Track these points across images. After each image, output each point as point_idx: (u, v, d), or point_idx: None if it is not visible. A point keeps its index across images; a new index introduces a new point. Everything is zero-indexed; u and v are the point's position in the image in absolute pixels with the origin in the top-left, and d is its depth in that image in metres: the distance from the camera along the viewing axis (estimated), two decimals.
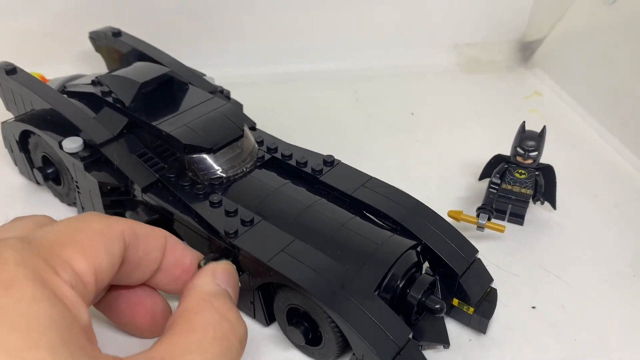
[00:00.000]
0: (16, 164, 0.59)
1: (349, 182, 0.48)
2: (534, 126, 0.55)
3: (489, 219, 0.52)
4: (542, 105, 0.79)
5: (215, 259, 0.42)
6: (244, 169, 0.49)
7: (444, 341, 0.43)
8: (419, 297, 0.41)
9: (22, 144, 0.55)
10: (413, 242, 0.44)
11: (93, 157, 0.49)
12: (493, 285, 0.46)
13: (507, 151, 0.57)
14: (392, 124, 0.74)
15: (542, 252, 0.53)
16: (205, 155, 0.48)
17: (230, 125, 0.50)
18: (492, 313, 0.45)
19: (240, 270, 0.43)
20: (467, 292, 0.44)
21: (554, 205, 0.57)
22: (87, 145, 0.50)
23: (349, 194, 0.47)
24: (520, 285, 0.50)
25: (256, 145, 0.52)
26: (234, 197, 0.47)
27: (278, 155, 0.51)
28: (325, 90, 0.80)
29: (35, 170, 0.54)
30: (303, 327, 0.41)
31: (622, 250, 0.54)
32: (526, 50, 0.91)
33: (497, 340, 0.45)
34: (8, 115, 0.58)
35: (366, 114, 0.76)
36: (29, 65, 0.59)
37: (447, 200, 0.60)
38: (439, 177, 0.63)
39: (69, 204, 0.56)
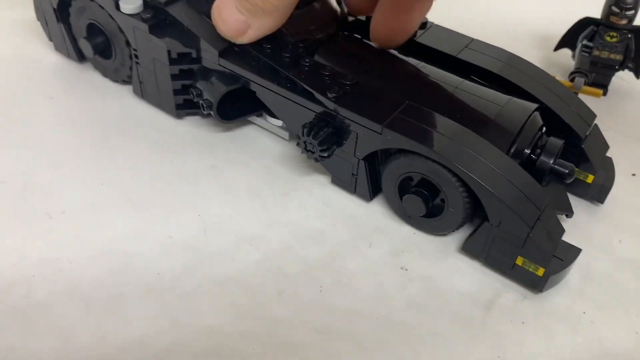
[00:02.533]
0: (51, 39, 0.52)
1: (450, 44, 0.43)
2: None
3: (585, 84, 0.49)
4: None
5: (314, 126, 0.38)
6: (330, 32, 0.43)
7: (568, 209, 0.40)
8: (551, 162, 0.37)
9: (61, 13, 0.48)
10: (536, 105, 0.39)
11: (157, 19, 0.42)
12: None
13: (572, 22, 0.52)
14: None
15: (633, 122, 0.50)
16: (294, 12, 0.41)
17: None
18: (612, 182, 0.41)
19: (341, 139, 0.39)
20: (590, 158, 0.40)
21: (637, 75, 0.53)
22: (147, 5, 0.43)
23: (453, 56, 0.42)
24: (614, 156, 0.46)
25: (338, 6, 0.46)
26: (325, 60, 0.41)
27: (363, 18, 0.46)
28: None
29: (81, 41, 0.47)
30: (424, 196, 0.37)
31: None
32: None
33: (609, 211, 0.42)
34: None
35: None
36: None
37: None
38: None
39: (119, 81, 0.49)
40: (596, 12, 0.52)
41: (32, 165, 0.43)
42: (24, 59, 0.52)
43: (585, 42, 0.52)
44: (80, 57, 0.51)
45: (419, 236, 0.40)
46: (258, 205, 0.41)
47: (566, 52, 0.56)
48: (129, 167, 0.43)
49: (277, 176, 0.43)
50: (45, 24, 0.50)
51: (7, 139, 0.45)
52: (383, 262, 0.38)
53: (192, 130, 0.46)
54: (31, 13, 0.51)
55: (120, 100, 0.48)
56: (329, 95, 0.38)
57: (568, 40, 0.55)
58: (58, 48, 0.52)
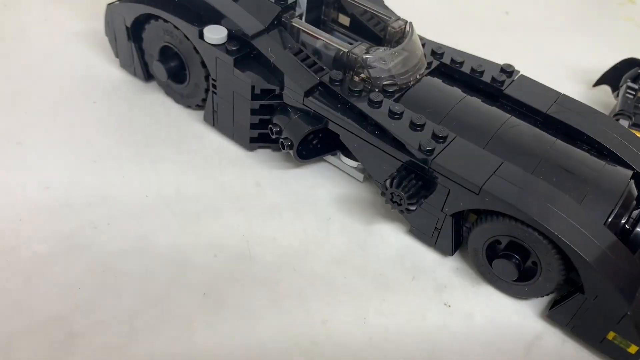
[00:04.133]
0: (117, 55, 0.50)
1: (539, 98, 0.42)
2: (629, 35, 0.49)
3: (629, 126, 0.48)
4: (637, 14, 0.73)
5: (403, 178, 0.37)
6: (417, 76, 0.42)
7: None
8: None
9: (133, 32, 0.47)
10: (632, 172, 0.38)
11: (242, 52, 0.41)
12: None
13: (611, 58, 0.51)
14: (484, 21, 0.66)
15: None
16: (382, 55, 0.40)
17: None
18: None
19: (429, 192, 0.38)
20: None
21: None
22: (232, 36, 0.42)
23: (544, 112, 0.41)
24: None
25: (422, 48, 0.45)
26: (412, 108, 0.40)
27: (446, 61, 0.45)
28: None
29: (155, 64, 0.46)
30: (516, 261, 0.36)
31: None
32: None
33: None
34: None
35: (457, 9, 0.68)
36: None
37: None
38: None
39: (189, 107, 0.48)
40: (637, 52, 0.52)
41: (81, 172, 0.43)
42: (89, 73, 0.51)
43: (629, 83, 0.52)
44: (147, 77, 0.49)
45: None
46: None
47: (605, 88, 0.55)
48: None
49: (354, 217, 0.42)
50: (114, 39, 0.49)
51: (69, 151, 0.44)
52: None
53: (266, 165, 0.45)
54: (99, 26, 0.50)
55: (189, 126, 0.47)
56: (424, 148, 0.37)
57: (609, 77, 0.55)
58: (124, 65, 0.50)
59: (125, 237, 0.39)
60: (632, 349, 0.34)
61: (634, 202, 0.38)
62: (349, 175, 0.45)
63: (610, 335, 0.35)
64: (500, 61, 0.45)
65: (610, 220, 0.36)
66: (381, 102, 0.40)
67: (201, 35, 0.41)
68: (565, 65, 0.61)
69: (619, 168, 0.38)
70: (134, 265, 0.37)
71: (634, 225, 0.37)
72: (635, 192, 0.38)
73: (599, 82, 0.55)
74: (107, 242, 0.38)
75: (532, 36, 0.65)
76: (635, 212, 0.38)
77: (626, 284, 0.33)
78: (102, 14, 0.48)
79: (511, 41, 0.63)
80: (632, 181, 0.38)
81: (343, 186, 0.45)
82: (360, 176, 0.45)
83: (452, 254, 0.40)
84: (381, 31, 0.46)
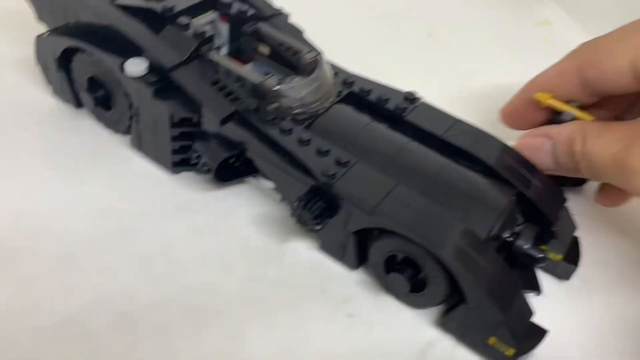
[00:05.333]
0: (49, 83, 0.53)
1: (437, 123, 0.46)
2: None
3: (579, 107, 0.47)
4: (552, 34, 0.77)
5: (309, 200, 0.40)
6: (326, 104, 0.46)
7: (536, 288, 0.43)
8: (526, 247, 0.41)
9: (63, 62, 0.49)
10: (515, 190, 0.42)
11: (161, 83, 0.44)
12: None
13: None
14: (408, 44, 0.71)
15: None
16: (293, 85, 0.44)
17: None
18: (579, 261, 0.45)
19: (334, 212, 0.41)
20: (559, 240, 0.44)
21: None
22: (152, 68, 0.45)
23: (439, 136, 0.45)
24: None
25: (333, 78, 0.48)
26: (320, 134, 0.44)
27: (356, 90, 0.48)
28: (338, 3, 0.75)
29: (82, 94, 0.48)
30: (408, 274, 0.40)
31: None
32: None
33: (577, 287, 0.46)
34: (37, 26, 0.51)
35: (380, 32, 0.72)
36: None
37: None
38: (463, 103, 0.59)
39: (117, 132, 0.51)
40: None
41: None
42: (21, 101, 0.53)
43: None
44: (78, 104, 0.52)
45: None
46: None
47: None
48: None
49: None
50: (45, 68, 0.51)
51: None
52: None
53: (189, 188, 0.48)
54: (32, 53, 0.52)
55: (118, 151, 0.50)
56: (325, 172, 0.40)
57: None
58: (56, 92, 0.53)
59: (50, 258, 0.41)
60: (510, 352, 0.38)
61: (517, 218, 0.42)
62: (268, 196, 0.48)
63: (492, 340, 0.38)
64: (420, 83, 0.49)
65: (492, 234, 0.40)
66: (291, 129, 0.43)
67: (123, 68, 0.44)
68: (484, 84, 0.65)
69: (503, 187, 0.42)
70: (54, 286, 0.40)
71: (514, 238, 0.41)
72: (517, 209, 0.42)
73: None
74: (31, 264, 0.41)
75: (452, 57, 0.69)
76: (518, 228, 0.42)
77: (502, 294, 0.37)
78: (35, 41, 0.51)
79: (432, 63, 0.68)
80: (515, 199, 0.42)
81: (262, 206, 0.48)
82: (278, 197, 0.48)
83: (357, 268, 0.44)
84: (297, 61, 0.49)
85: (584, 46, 0.45)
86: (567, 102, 0.45)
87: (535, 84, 0.47)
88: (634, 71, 0.39)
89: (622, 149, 0.38)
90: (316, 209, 0.41)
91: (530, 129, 0.47)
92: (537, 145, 0.45)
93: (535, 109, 0.47)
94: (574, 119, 0.45)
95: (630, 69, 0.39)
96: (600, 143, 0.40)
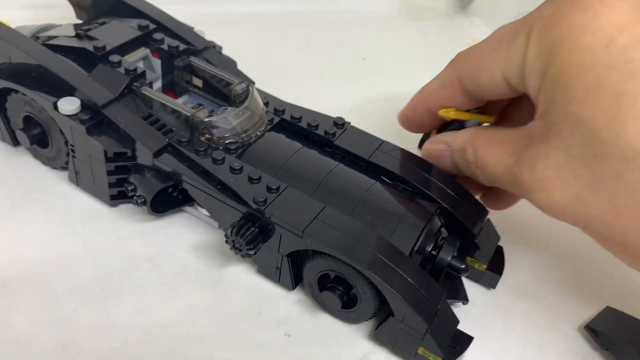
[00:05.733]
0: None
1: (364, 146, 0.49)
2: None
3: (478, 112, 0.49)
4: None
5: (242, 226, 0.42)
6: (258, 133, 0.48)
7: (464, 298, 0.46)
8: (449, 258, 0.43)
9: None
10: (437, 206, 0.45)
11: (94, 120, 0.45)
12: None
13: None
14: (342, 69, 0.73)
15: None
16: (224, 116, 0.46)
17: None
18: (502, 269, 0.48)
19: (267, 236, 0.43)
20: (482, 250, 0.47)
21: None
22: (84, 106, 0.46)
23: (366, 159, 0.48)
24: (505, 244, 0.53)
25: (264, 107, 0.50)
26: (252, 162, 0.46)
27: (287, 117, 0.50)
28: (274, 33, 0.78)
29: (18, 132, 0.49)
30: (339, 292, 0.42)
31: None
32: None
33: (503, 294, 0.48)
34: None
35: (317, 58, 0.75)
36: None
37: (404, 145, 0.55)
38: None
39: (55, 168, 0.52)
40: None
41: None
42: None
43: None
44: (15, 142, 0.52)
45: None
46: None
47: None
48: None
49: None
50: None
51: None
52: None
53: (129, 219, 0.50)
54: None
55: (57, 186, 0.51)
56: (256, 199, 0.42)
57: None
58: None
59: None
60: None
61: (439, 230, 0.45)
62: (206, 223, 0.50)
63: (420, 350, 0.41)
64: (354, 106, 0.50)
65: (416, 249, 0.42)
66: (223, 159, 0.45)
67: (56, 107, 0.45)
68: None
69: (426, 203, 0.45)
70: None
71: (437, 251, 0.43)
72: (439, 223, 0.45)
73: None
74: None
75: (386, 79, 0.73)
76: (441, 241, 0.44)
77: (425, 305, 0.40)
78: None
79: (366, 86, 0.71)
80: (437, 213, 0.45)
81: (200, 233, 0.49)
82: (216, 224, 0.49)
83: (294, 288, 0.46)
84: (229, 92, 0.51)
85: (460, 57, 0.46)
86: (467, 110, 0.48)
87: (423, 95, 0.49)
88: (506, 82, 0.42)
89: (513, 162, 0.40)
90: (249, 234, 0.42)
91: (434, 137, 0.49)
92: (438, 153, 0.47)
93: (425, 114, 0.49)
94: (480, 124, 0.48)
95: (503, 80, 0.42)
96: (492, 154, 0.42)
